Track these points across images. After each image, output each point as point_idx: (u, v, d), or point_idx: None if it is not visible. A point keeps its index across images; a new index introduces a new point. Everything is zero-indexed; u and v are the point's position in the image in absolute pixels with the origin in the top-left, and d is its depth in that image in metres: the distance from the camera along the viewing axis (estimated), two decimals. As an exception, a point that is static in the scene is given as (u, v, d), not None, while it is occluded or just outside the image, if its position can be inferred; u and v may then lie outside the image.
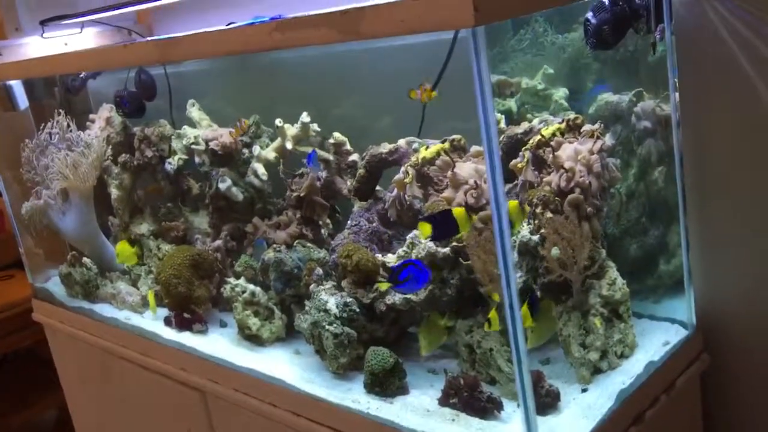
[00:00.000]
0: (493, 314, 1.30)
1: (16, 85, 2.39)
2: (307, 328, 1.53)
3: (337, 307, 1.49)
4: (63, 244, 2.34)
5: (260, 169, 1.86)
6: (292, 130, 1.80)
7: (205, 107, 2.07)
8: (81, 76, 2.33)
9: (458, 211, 1.28)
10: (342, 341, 1.47)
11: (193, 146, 1.95)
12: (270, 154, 1.86)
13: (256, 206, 1.93)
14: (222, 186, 1.89)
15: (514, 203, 1.28)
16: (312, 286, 1.56)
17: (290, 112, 1.83)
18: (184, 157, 2.03)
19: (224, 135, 1.89)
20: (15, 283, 3.00)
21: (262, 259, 1.71)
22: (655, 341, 1.44)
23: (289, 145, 1.80)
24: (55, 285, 2.29)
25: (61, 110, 2.12)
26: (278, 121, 1.81)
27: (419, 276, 1.34)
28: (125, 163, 2.13)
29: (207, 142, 1.91)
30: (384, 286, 1.43)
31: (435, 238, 1.35)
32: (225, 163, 1.92)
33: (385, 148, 1.61)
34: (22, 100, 2.41)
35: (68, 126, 2.10)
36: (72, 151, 2.06)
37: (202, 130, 2.00)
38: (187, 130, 2.02)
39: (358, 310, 1.49)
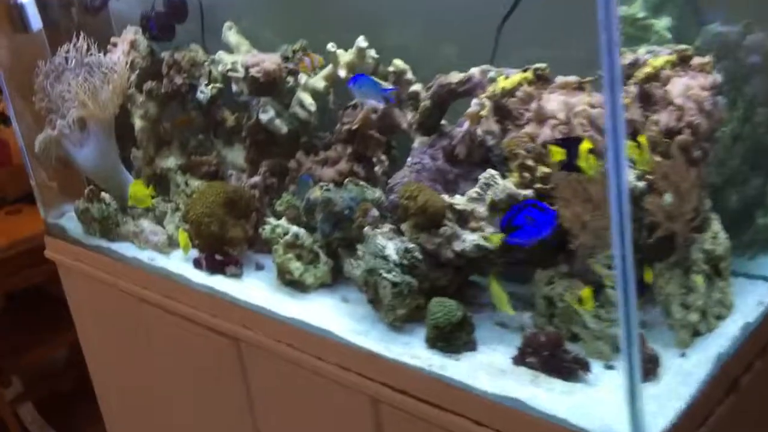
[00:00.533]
0: (586, 292, 1.16)
1: (29, 4, 2.22)
2: (360, 276, 1.39)
3: (397, 253, 1.34)
4: (79, 178, 2.18)
5: (307, 99, 1.69)
6: (345, 56, 1.62)
7: (243, 31, 1.90)
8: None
9: (583, 146, 1.08)
10: (401, 291, 1.33)
11: (231, 73, 1.78)
12: (319, 82, 1.69)
13: (300, 140, 1.77)
14: (264, 117, 1.72)
15: (644, 137, 1.09)
16: (366, 229, 1.42)
17: (340, 38, 1.66)
18: (219, 85, 1.86)
19: (267, 60, 1.71)
20: (23, 217, 2.90)
21: (308, 198, 1.56)
22: (749, 301, 1.30)
23: (341, 73, 1.63)
24: (69, 221, 2.15)
25: (80, 31, 1.95)
26: (331, 46, 1.63)
27: (542, 219, 1.16)
28: (151, 91, 1.97)
29: (247, 68, 1.74)
30: (496, 239, 1.25)
31: (565, 167, 1.15)
32: (267, 92, 1.74)
33: (455, 77, 1.44)
34: (36, 21, 2.24)
35: (88, 49, 1.94)
36: (91, 76, 1.90)
37: (240, 55, 1.82)
38: (222, 55, 1.85)
39: (420, 257, 1.35)
